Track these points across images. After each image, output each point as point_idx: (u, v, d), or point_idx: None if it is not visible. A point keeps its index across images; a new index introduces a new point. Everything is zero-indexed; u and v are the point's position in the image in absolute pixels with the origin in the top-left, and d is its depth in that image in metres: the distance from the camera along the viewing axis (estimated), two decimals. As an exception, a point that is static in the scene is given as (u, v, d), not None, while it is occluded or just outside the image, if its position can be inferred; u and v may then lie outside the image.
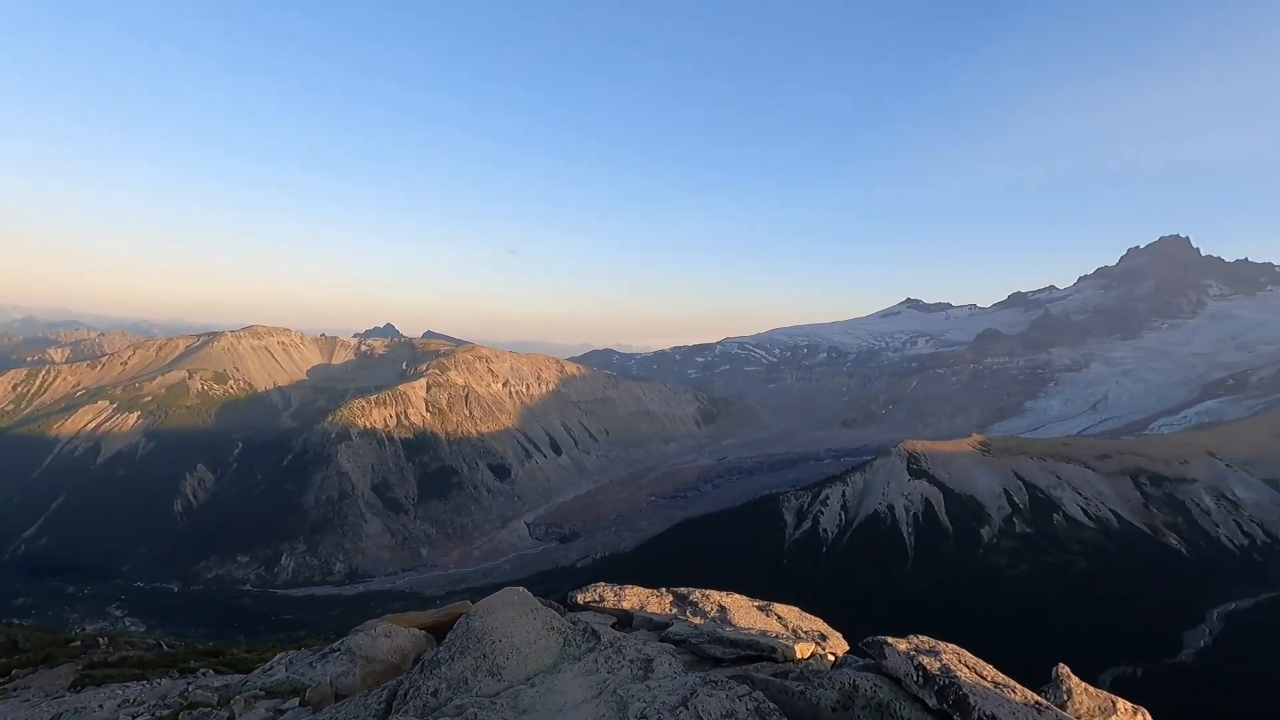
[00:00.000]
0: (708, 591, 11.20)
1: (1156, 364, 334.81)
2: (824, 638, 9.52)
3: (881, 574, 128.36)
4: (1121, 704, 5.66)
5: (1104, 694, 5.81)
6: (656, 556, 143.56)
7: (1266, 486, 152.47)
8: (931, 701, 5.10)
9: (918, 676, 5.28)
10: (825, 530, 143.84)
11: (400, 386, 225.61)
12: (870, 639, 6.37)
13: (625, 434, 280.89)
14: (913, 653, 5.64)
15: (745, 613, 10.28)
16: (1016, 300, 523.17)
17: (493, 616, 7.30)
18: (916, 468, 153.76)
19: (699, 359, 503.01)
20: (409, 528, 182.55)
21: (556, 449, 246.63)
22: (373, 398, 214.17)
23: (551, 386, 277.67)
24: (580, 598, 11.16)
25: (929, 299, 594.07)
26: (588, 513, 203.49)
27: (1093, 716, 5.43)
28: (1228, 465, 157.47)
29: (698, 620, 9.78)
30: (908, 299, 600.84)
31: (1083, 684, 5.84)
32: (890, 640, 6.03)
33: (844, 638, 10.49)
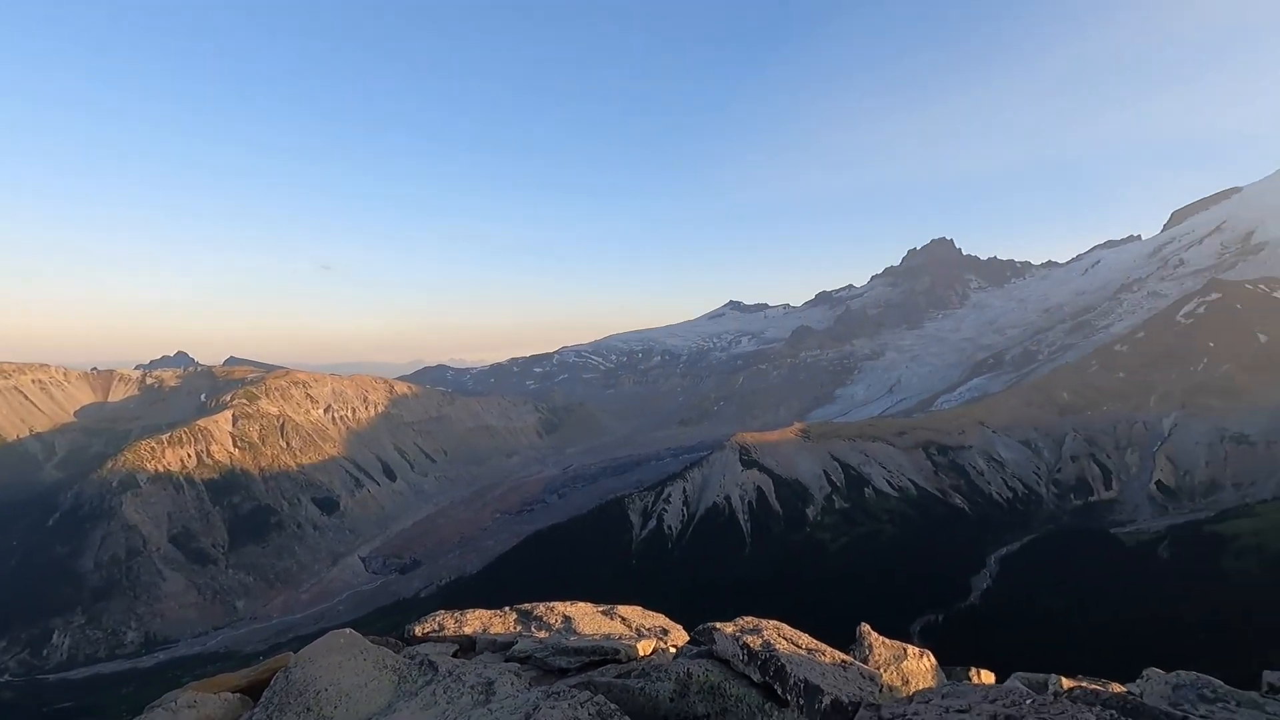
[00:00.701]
0: (552, 604, 11.18)
1: (936, 349, 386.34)
2: (666, 632, 9.90)
3: (723, 562, 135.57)
4: (910, 649, 6.51)
5: (897, 644, 6.64)
6: (505, 575, 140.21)
7: (1022, 447, 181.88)
8: (756, 676, 5.52)
9: (743, 655, 5.70)
10: (670, 527, 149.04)
11: (200, 421, 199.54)
12: (701, 627, 6.75)
13: (465, 451, 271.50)
14: (738, 634, 6.07)
15: (590, 619, 10.41)
16: (823, 299, 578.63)
17: (315, 665, 6.74)
18: (748, 458, 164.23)
19: (537, 369, 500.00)
20: (219, 580, 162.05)
21: (390, 474, 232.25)
22: (165, 436, 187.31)
23: (381, 408, 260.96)
24: (418, 630, 10.62)
25: (749, 300, 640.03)
26: (429, 538, 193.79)
27: (889, 664, 6.19)
28: (994, 431, 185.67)
29: (543, 634, 9.73)
30: (730, 301, 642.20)
31: (881, 638, 6.64)
32: (718, 625, 6.44)
33: (685, 629, 10.95)
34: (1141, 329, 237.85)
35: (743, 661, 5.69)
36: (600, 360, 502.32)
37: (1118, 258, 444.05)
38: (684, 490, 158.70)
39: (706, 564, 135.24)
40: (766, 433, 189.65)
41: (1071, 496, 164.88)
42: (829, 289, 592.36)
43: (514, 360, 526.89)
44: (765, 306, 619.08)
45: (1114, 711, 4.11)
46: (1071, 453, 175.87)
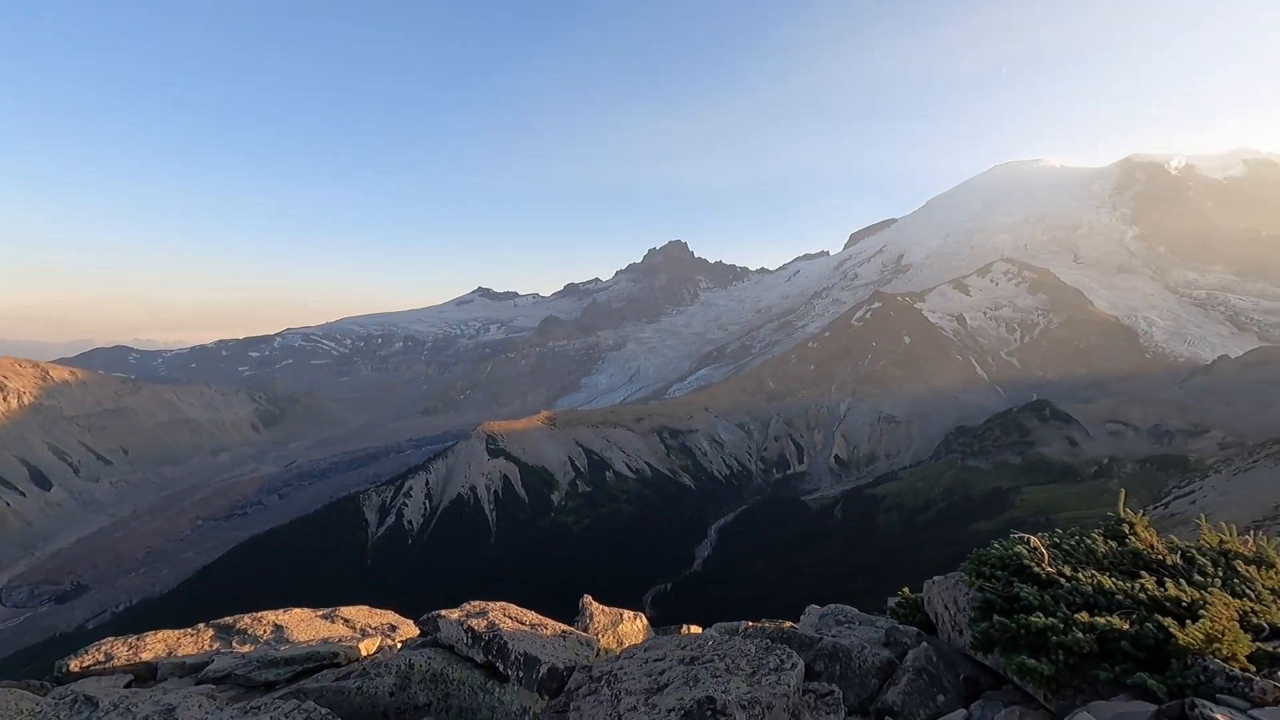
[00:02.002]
0: (260, 614, 9.97)
1: (670, 342, 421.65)
2: (394, 628, 9.45)
3: (469, 553, 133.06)
4: (626, 614, 7.12)
5: (615, 610, 7.22)
6: (208, 591, 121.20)
7: (738, 430, 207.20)
8: (479, 657, 5.60)
9: (468, 639, 5.73)
10: (410, 522, 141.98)
11: None
12: (426, 616, 6.62)
13: (155, 450, 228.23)
14: (464, 619, 6.08)
15: (307, 626, 9.50)
16: (571, 290, 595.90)
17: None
18: (495, 447, 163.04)
19: (254, 354, 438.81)
20: None
21: (42, 482, 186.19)
22: None
23: (28, 399, 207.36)
24: (75, 664, 8.70)
25: (499, 288, 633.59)
26: (101, 556, 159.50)
27: (607, 629, 6.71)
28: (716, 416, 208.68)
29: (247, 648, 8.64)
30: (479, 288, 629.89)
31: (601, 607, 7.15)
32: (444, 613, 6.37)
33: (417, 623, 10.56)
34: (827, 329, 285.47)
35: (467, 645, 5.72)
36: (333, 345, 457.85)
37: (813, 268, 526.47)
38: (427, 483, 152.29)
39: (451, 556, 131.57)
40: (514, 421, 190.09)
41: (774, 471, 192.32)
42: (577, 281, 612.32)
43: (222, 343, 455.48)
44: (515, 295, 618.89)
45: (768, 640, 4.99)
46: (775, 433, 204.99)
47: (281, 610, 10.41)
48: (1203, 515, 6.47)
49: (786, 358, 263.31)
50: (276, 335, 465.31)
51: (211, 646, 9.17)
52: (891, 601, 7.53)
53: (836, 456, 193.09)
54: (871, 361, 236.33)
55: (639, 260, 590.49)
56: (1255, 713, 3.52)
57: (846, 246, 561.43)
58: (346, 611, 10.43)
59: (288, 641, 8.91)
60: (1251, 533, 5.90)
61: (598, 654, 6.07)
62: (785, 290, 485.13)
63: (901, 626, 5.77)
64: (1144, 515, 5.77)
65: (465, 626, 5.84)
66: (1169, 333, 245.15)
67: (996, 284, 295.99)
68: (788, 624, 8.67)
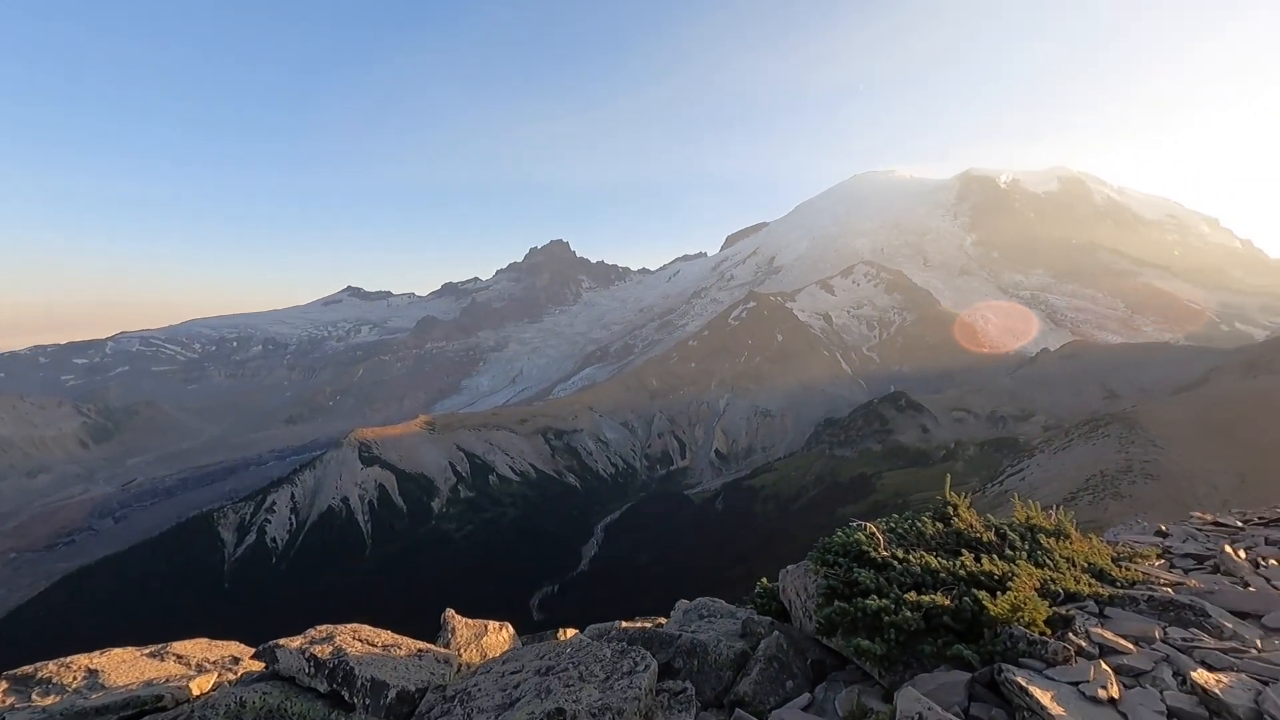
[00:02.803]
0: (71, 659, 8.73)
1: (554, 342, 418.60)
2: (237, 661, 8.61)
3: (341, 568, 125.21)
4: (491, 625, 6.89)
5: (478, 622, 6.97)
6: (19, 635, 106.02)
7: (622, 428, 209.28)
8: (323, 686, 5.19)
9: (309, 668, 5.30)
10: (274, 539, 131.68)
11: None
12: (263, 647, 6.07)
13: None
14: (306, 646, 5.62)
15: (129, 667, 8.43)
16: (449, 290, 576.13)
17: None
18: (369, 455, 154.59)
19: (80, 360, 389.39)
20: None
21: None
22: None
23: None
24: None
25: (370, 287, 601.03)
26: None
27: (470, 643, 6.45)
28: (600, 415, 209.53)
29: (49, 700, 7.53)
30: (349, 287, 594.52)
31: (464, 620, 6.87)
32: (282, 642, 5.87)
33: (254, 655, 9.72)
34: (707, 328, 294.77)
35: (309, 674, 5.28)
36: (178, 349, 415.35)
37: (692, 269, 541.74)
38: (292, 496, 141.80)
39: (322, 574, 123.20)
40: (389, 427, 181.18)
41: (658, 467, 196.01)
42: (456, 280, 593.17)
43: (39, 349, 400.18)
44: (389, 295, 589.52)
45: (624, 643, 5.00)
46: (658, 430, 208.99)
47: (98, 652, 9.17)
48: (1016, 495, 7.20)
49: (668, 356, 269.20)
50: (108, 340, 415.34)
51: (4, 702, 7.92)
52: (756, 591, 7.79)
53: (717, 451, 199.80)
54: (748, 358, 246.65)
55: (520, 260, 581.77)
56: (1049, 672, 3.91)
57: (723, 248, 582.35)
58: (180, 647, 9.37)
59: (103, 687, 7.86)
60: (1054, 508, 6.64)
61: (458, 671, 5.81)
62: (666, 290, 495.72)
63: (757, 617, 5.97)
64: (966, 496, 6.33)
65: (307, 654, 5.39)
66: (1002, 328, 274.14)
67: (858, 285, 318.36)
68: (661, 620, 8.78)
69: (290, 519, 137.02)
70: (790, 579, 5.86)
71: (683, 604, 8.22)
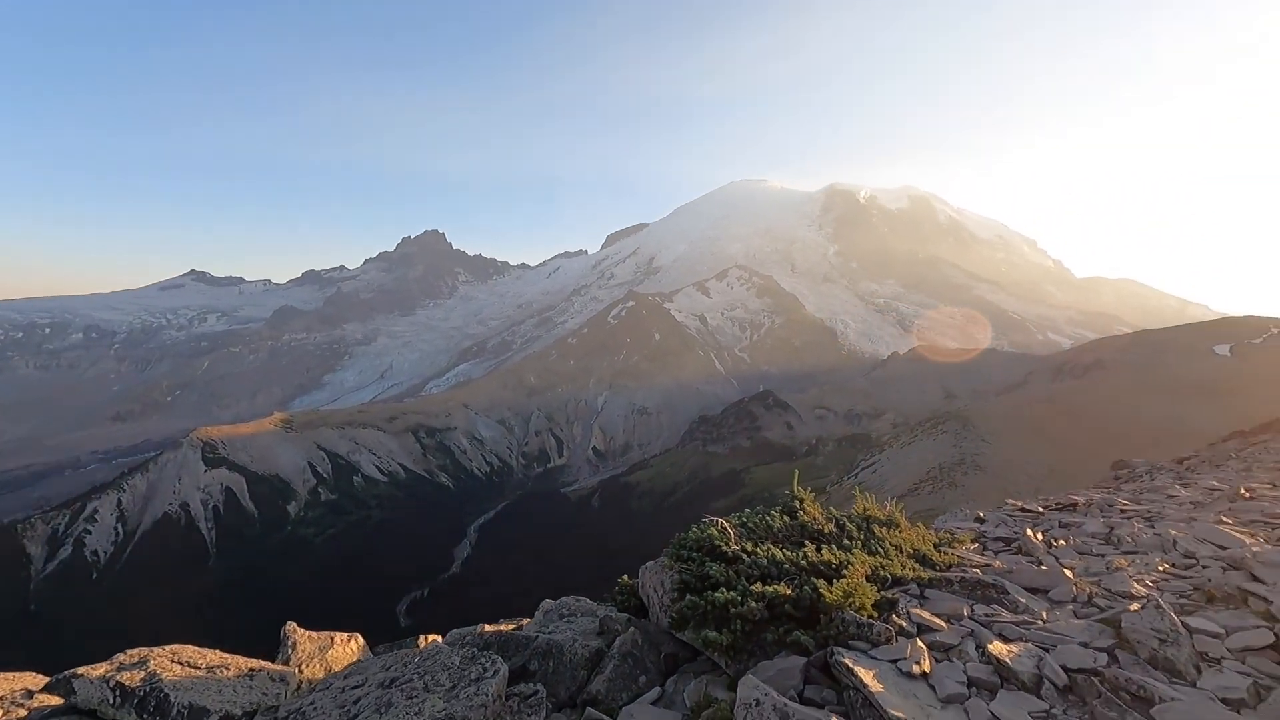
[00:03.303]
0: None
1: (427, 336, 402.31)
2: (30, 695, 7.51)
3: (177, 582, 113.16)
4: (338, 636, 6.48)
5: (324, 634, 6.53)
6: None
7: (499, 425, 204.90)
8: (132, 717, 4.64)
9: (114, 697, 4.71)
10: (96, 552, 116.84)
11: None
12: (57, 676, 5.34)
13: None
14: (112, 673, 4.99)
15: (-115, 711, 7.12)
16: (311, 278, 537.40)
17: None
18: (214, 456, 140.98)
19: None
20: None
21: None
22: None
23: None
24: None
25: (218, 272, 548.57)
26: None
27: (313, 657, 6.02)
28: (476, 413, 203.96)
29: None
30: (193, 271, 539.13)
31: (306, 633, 6.41)
32: (82, 670, 5.19)
33: (47, 688, 8.58)
34: (586, 326, 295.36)
35: (114, 704, 4.69)
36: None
37: (572, 266, 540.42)
38: (119, 503, 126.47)
39: (155, 589, 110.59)
40: (240, 425, 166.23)
41: (535, 465, 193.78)
42: (319, 268, 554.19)
43: None
44: (240, 281, 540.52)
45: (475, 649, 4.88)
46: (536, 428, 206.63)
47: None
48: (858, 488, 7.78)
49: (547, 353, 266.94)
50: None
51: None
52: (617, 588, 7.86)
53: (594, 448, 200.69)
54: (626, 356, 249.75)
55: (392, 249, 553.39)
56: (874, 652, 4.25)
57: (604, 246, 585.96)
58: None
59: None
60: (890, 500, 7.25)
61: (296, 689, 5.39)
62: (546, 286, 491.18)
63: (615, 614, 6.04)
64: (811, 491, 6.76)
65: (112, 683, 4.78)
66: (859, 333, 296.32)
67: (732, 288, 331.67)
68: (526, 621, 8.66)
69: (116, 529, 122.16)
70: (649, 575, 5.97)
71: (546, 604, 8.16)
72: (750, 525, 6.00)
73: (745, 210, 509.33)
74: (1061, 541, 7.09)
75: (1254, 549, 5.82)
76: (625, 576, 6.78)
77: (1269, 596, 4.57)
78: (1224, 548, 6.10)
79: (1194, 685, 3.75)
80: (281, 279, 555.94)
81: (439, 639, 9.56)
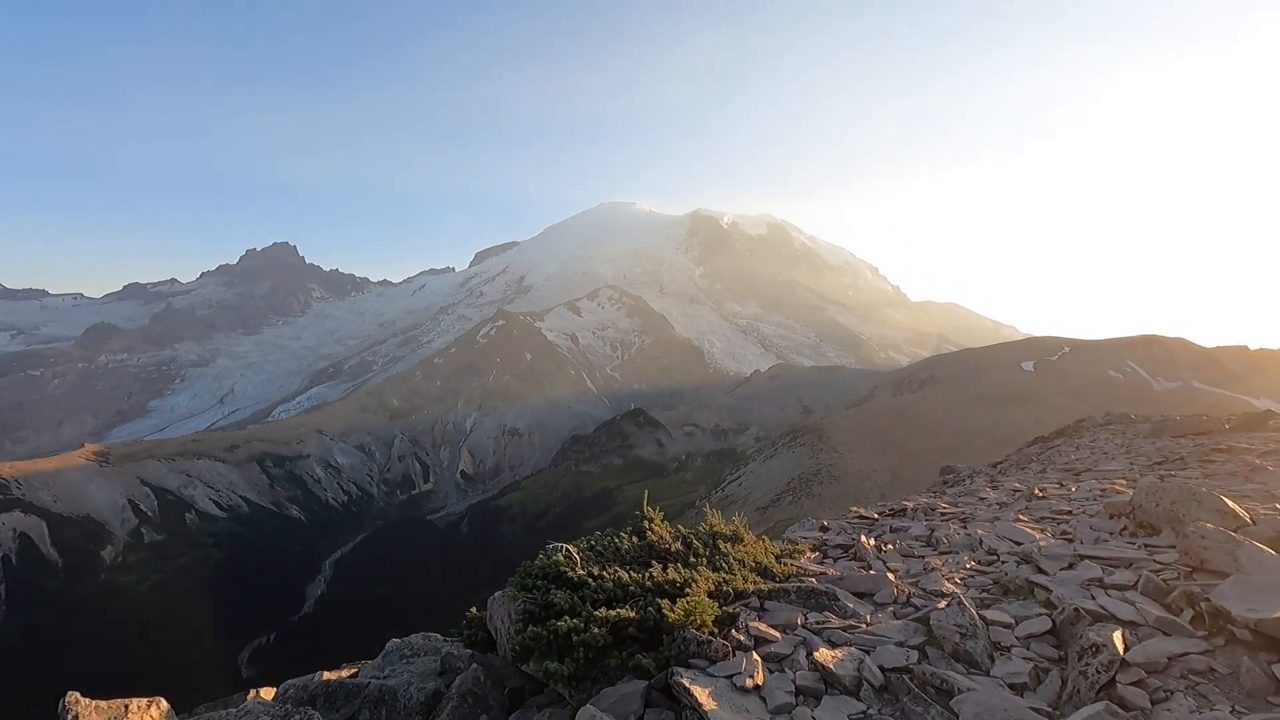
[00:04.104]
0: None
1: (275, 356, 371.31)
2: None
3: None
4: (135, 704, 5.63)
5: (115, 703, 5.66)
6: None
7: (358, 451, 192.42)
8: None
9: None
10: None
11: None
12: None
13: None
14: None
15: None
16: (135, 291, 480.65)
17: None
18: (5, 496, 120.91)
19: None
20: None
21: None
22: None
23: None
24: None
25: (13, 284, 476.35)
26: None
27: (101, 731, 5.19)
28: (331, 439, 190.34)
29: None
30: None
31: (93, 703, 5.53)
32: None
33: None
34: (454, 345, 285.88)
35: None
36: None
37: (439, 284, 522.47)
38: None
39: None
40: (40, 460, 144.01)
41: (398, 492, 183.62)
42: (144, 281, 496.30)
43: None
44: (43, 294, 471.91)
45: (292, 705, 4.44)
46: (399, 453, 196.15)
47: None
48: (698, 504, 7.99)
49: (412, 374, 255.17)
50: None
51: None
52: (464, 622, 7.52)
53: (463, 472, 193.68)
54: (496, 376, 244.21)
55: (235, 262, 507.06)
56: (712, 669, 4.31)
57: (472, 264, 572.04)
58: None
59: None
60: (738, 515, 7.49)
61: (73, 770, 4.61)
62: (410, 305, 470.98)
63: (457, 651, 5.74)
64: (660, 511, 6.85)
65: None
66: (724, 352, 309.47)
67: (603, 308, 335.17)
68: (369, 663, 8.05)
69: None
70: (496, 606, 5.73)
71: (392, 643, 7.65)
72: (599, 548, 5.94)
73: (615, 231, 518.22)
74: (890, 546, 7.64)
75: (1041, 543, 6.59)
76: (474, 608, 6.48)
77: (1050, 586, 5.16)
78: (1019, 543, 6.85)
79: (988, 674, 4.13)
80: (96, 293, 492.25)
81: (259, 696, 8.69)
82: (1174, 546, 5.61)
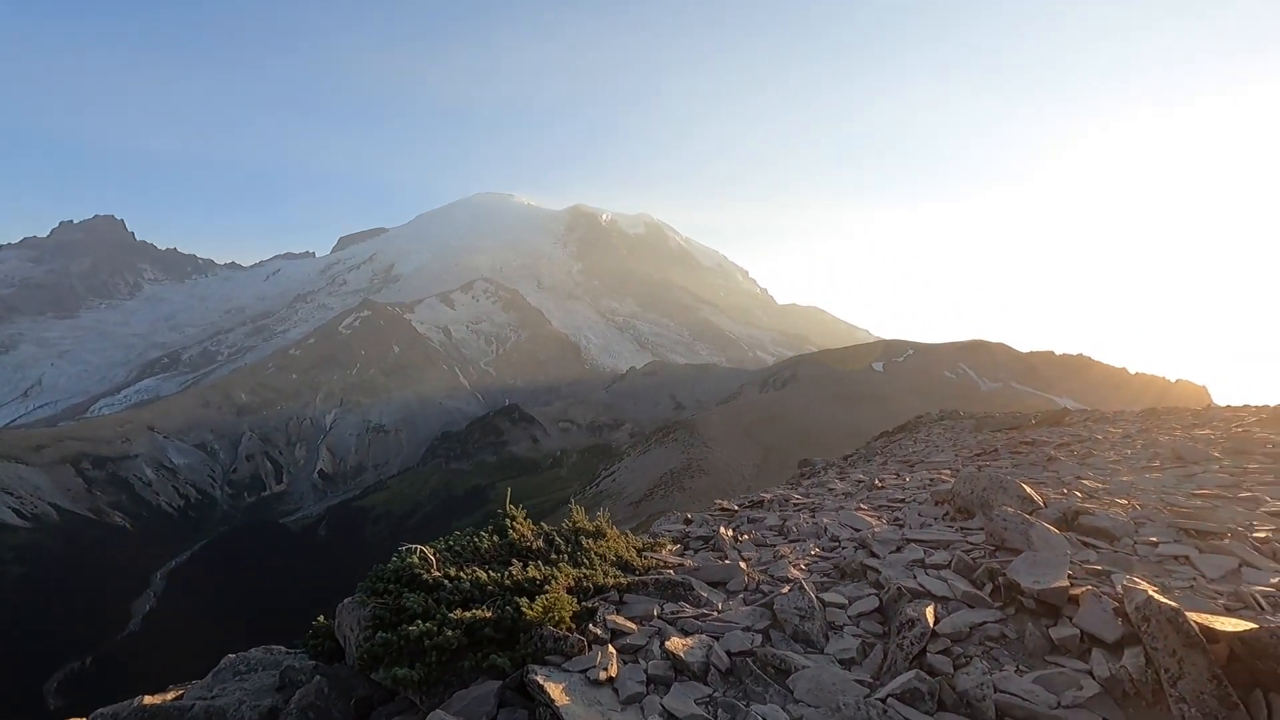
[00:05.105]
0: None
1: (96, 344, 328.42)
2: None
3: None
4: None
5: None
6: None
7: (197, 450, 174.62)
8: None
9: None
10: None
11: None
12: None
13: None
14: None
15: None
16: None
17: None
18: None
19: None
20: None
21: None
22: None
23: None
24: None
25: None
26: None
27: None
28: (165, 437, 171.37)
29: None
30: None
31: None
32: None
33: None
34: (312, 336, 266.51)
35: None
36: None
37: (296, 269, 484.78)
38: None
39: None
40: None
41: (245, 494, 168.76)
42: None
43: None
44: None
45: None
46: (247, 452, 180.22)
47: None
48: (573, 501, 8.03)
49: (263, 366, 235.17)
50: None
51: None
52: (309, 631, 7.07)
53: (321, 471, 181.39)
54: (361, 370, 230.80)
55: (43, 235, 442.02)
56: (567, 664, 4.35)
57: (335, 250, 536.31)
58: None
59: None
60: (602, 510, 7.59)
61: None
62: (262, 290, 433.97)
63: (300, 663, 5.38)
64: (523, 509, 6.80)
65: None
66: (600, 348, 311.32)
67: (478, 301, 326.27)
68: (198, 682, 7.34)
69: None
70: (345, 613, 5.43)
71: (227, 659, 7.01)
72: (457, 549, 5.79)
73: (491, 223, 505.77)
74: (745, 536, 8.05)
75: (875, 529, 7.22)
76: (322, 617, 6.09)
77: (880, 568, 5.67)
78: (858, 530, 7.46)
79: (822, 652, 4.48)
80: None
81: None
82: (983, 529, 6.34)
